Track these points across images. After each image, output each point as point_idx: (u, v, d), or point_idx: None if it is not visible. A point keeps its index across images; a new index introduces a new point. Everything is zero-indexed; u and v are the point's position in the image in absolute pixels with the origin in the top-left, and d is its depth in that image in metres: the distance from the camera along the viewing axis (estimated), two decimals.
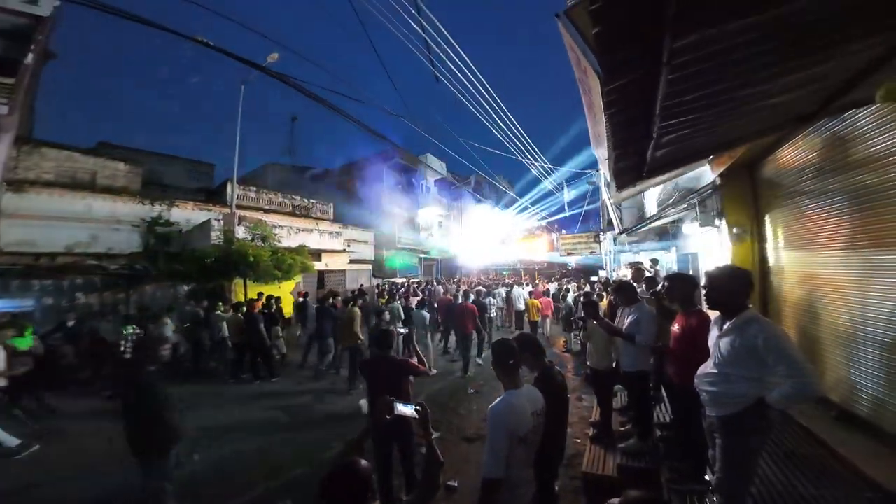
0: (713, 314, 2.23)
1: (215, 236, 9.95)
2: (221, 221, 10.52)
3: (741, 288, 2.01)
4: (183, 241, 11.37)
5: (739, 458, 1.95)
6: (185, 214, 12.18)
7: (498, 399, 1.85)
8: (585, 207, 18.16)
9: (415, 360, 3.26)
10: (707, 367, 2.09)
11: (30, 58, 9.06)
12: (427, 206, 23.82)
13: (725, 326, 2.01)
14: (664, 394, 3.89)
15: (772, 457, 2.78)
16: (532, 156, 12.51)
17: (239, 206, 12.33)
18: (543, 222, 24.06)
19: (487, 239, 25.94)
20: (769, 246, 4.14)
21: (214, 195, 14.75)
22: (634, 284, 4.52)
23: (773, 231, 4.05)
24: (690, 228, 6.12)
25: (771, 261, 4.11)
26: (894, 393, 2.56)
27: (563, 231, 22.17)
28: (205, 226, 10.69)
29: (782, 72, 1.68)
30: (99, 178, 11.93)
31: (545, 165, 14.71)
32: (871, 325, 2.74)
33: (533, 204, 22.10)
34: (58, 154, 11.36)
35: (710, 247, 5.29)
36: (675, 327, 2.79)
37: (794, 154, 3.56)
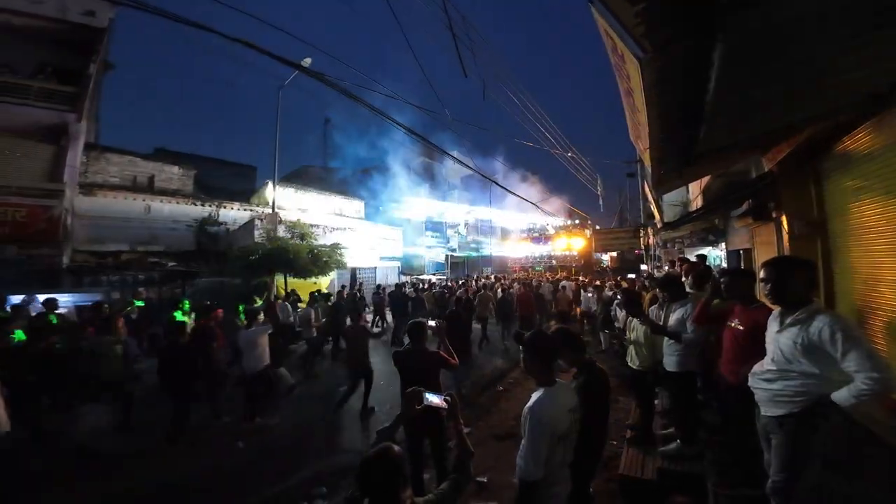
0: (774, 311, 2.06)
1: (258, 235, 10.53)
2: (264, 220, 11.12)
3: (805, 280, 1.87)
4: (229, 239, 12.13)
5: (798, 460, 1.81)
6: (232, 214, 12.98)
7: (535, 397, 1.78)
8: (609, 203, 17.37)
9: (444, 353, 3.28)
10: (764, 364, 1.94)
11: (91, 68, 9.99)
12: (454, 202, 23.84)
13: (787, 321, 1.86)
14: (712, 395, 3.64)
15: (832, 461, 2.54)
16: (564, 147, 12.15)
17: (278, 206, 12.97)
18: (577, 219, 23.38)
19: (518, 235, 25.58)
20: (837, 241, 3.75)
21: (256, 196, 15.60)
22: (684, 279, 4.26)
23: (842, 224, 3.66)
24: (743, 223, 5.68)
25: (839, 258, 3.73)
26: None
27: (598, 227, 21.38)
28: (248, 225, 11.34)
29: (850, 49, 1.50)
30: (157, 181, 12.99)
31: (578, 157, 14.24)
32: None
33: (564, 197, 21.50)
34: (121, 159, 12.49)
35: (764, 242, 4.89)
36: (735, 323, 2.59)
37: (867, 138, 3.19)
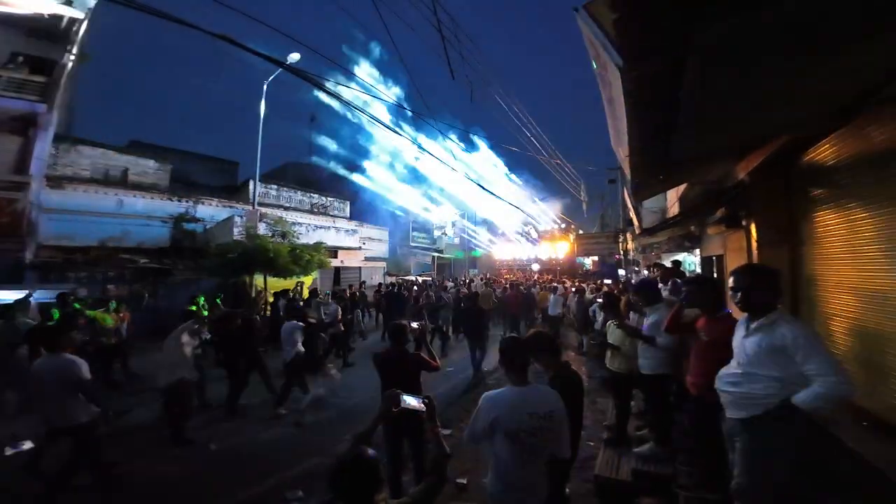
0: (740, 316, 2.14)
1: (237, 232, 10.27)
2: (244, 218, 10.84)
3: (771, 287, 1.94)
4: (207, 236, 11.77)
5: (761, 462, 1.87)
6: (210, 211, 12.60)
7: (499, 389, 1.89)
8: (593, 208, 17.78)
9: (426, 355, 3.27)
10: (730, 368, 2.01)
11: (65, 58, 9.55)
12: (442, 204, 23.88)
13: (753, 326, 1.93)
14: (683, 398, 3.75)
15: (796, 465, 2.65)
16: (549, 153, 12.34)
17: (260, 204, 12.68)
18: (562, 224, 23.77)
19: (506, 238, 25.81)
20: (803, 248, 3.92)
21: (237, 192, 15.22)
22: (661, 286, 4.37)
23: (808, 233, 3.84)
24: (716, 230, 5.88)
25: (805, 264, 3.90)
26: None
27: (580, 231, 21.80)
28: (227, 222, 11.04)
29: (819, 61, 1.58)
30: (130, 175, 12.49)
31: (562, 163, 14.48)
32: None
33: (550, 204, 21.86)
34: (93, 151, 11.96)
35: (735, 249, 5.07)
36: (701, 335, 2.67)
37: (833, 149, 3.36)
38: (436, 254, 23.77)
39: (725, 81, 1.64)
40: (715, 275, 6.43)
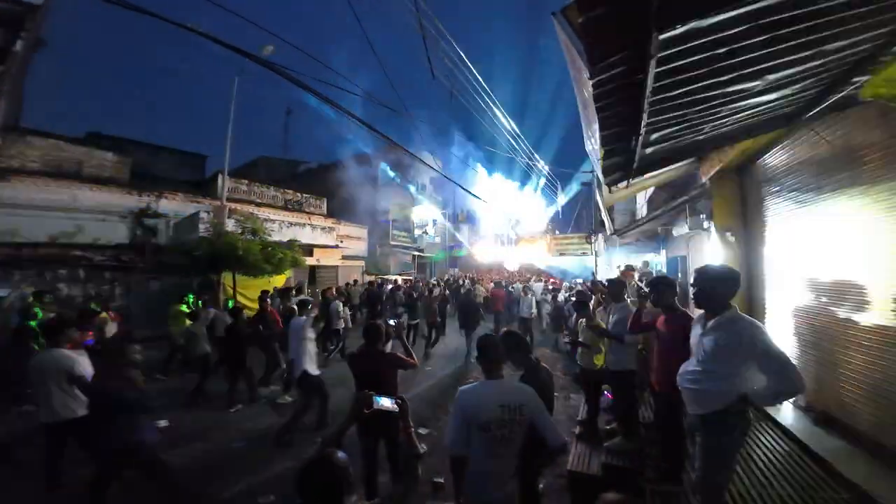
0: (697, 314, 2.24)
1: (204, 229, 9.81)
2: (211, 214, 10.38)
3: (726, 287, 2.01)
4: (171, 233, 11.19)
5: (719, 456, 1.95)
6: (175, 206, 11.98)
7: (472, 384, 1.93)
8: (570, 209, 18.32)
9: (402, 353, 3.24)
10: (689, 365, 2.08)
11: (19, 45, 8.81)
12: (422, 203, 23.76)
13: (709, 324, 2.02)
14: (647, 393, 3.91)
15: (751, 457, 2.81)
16: (528, 155, 12.53)
17: (229, 199, 12.15)
18: (541, 225, 24.23)
19: (488, 238, 26.02)
20: (756, 249, 4.18)
21: (205, 187, 14.53)
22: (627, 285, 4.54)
23: (760, 234, 4.10)
24: (680, 231, 6.17)
25: (758, 263, 4.16)
26: (870, 396, 2.60)
27: (557, 232, 22.31)
28: (193, 218, 10.53)
29: (767, 69, 1.68)
30: (86, 167, 11.68)
31: (540, 165, 14.75)
32: (851, 328, 2.77)
33: (529, 205, 22.24)
34: (44, 143, 11.10)
35: (698, 250, 5.34)
36: (664, 331, 2.78)
37: (781, 157, 3.60)
38: (416, 252, 23.59)
39: (681, 87, 1.72)
40: (679, 275, 6.74)
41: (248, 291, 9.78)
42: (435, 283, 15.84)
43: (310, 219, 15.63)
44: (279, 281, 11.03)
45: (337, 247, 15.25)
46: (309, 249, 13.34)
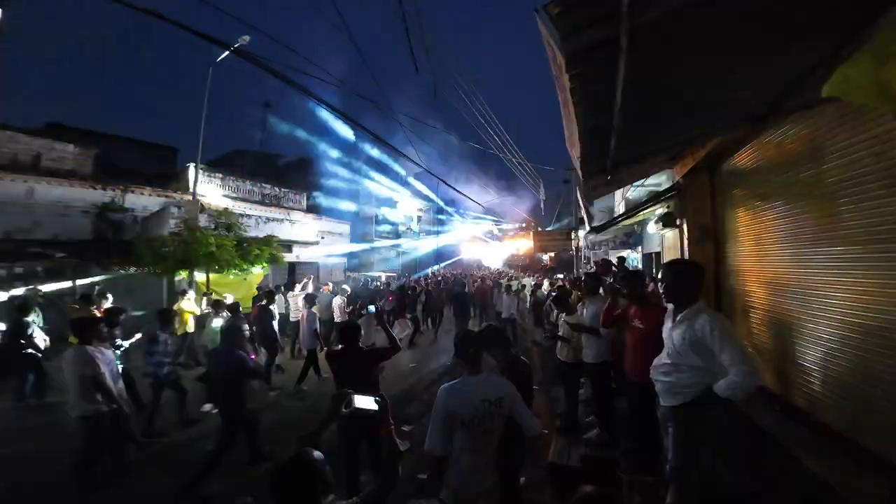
0: (669, 307, 2.30)
1: (174, 224, 9.40)
2: (182, 209, 9.95)
3: (694, 281, 2.07)
4: (138, 228, 10.67)
5: (690, 447, 2.00)
6: (142, 201, 11.44)
7: (452, 381, 1.93)
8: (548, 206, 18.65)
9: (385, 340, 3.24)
10: (661, 358, 2.14)
11: None
12: (407, 199, 23.56)
13: (678, 318, 2.07)
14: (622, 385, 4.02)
15: (719, 448, 2.92)
16: (511, 151, 12.60)
17: (201, 194, 11.69)
18: (523, 222, 24.51)
19: (473, 234, 26.09)
20: (725, 245, 4.35)
21: (175, 181, 13.90)
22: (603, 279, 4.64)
23: (729, 231, 4.26)
24: (654, 228, 6.37)
25: (726, 260, 4.33)
26: (828, 386, 2.75)
27: (539, 228, 22.64)
28: (162, 213, 10.09)
29: (735, 64, 1.72)
30: (44, 160, 10.96)
31: (523, 162, 14.88)
32: (812, 322, 2.92)
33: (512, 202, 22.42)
34: None
35: (671, 247, 5.52)
36: (636, 323, 2.86)
37: (748, 156, 3.73)
38: (400, 249, 23.39)
39: (655, 83, 1.75)
40: (654, 270, 6.96)
41: (223, 290, 9.46)
42: (435, 280, 15.98)
43: (289, 214, 15.25)
44: (257, 279, 10.73)
45: (317, 243, 14.96)
46: (288, 246, 13.02)
